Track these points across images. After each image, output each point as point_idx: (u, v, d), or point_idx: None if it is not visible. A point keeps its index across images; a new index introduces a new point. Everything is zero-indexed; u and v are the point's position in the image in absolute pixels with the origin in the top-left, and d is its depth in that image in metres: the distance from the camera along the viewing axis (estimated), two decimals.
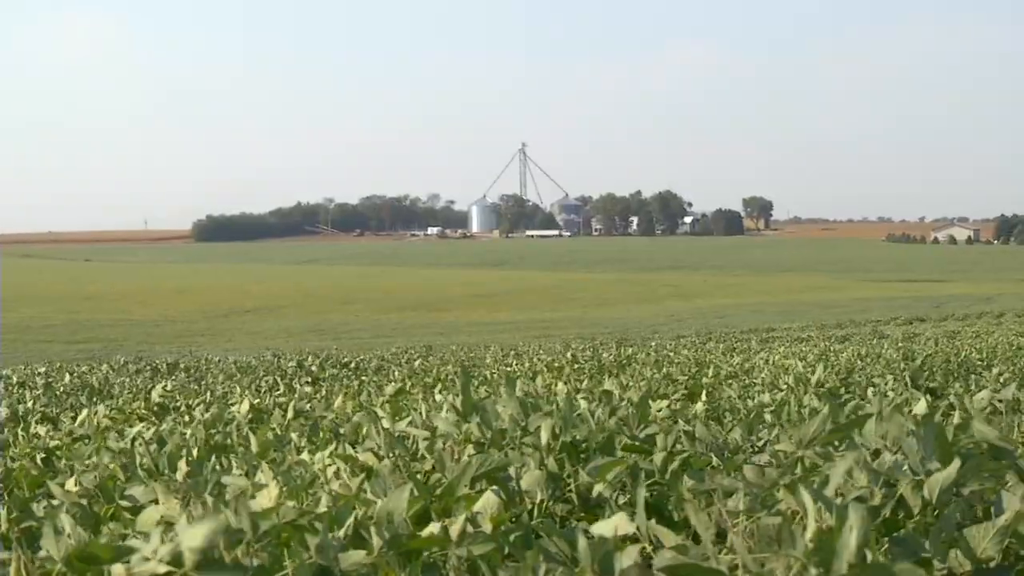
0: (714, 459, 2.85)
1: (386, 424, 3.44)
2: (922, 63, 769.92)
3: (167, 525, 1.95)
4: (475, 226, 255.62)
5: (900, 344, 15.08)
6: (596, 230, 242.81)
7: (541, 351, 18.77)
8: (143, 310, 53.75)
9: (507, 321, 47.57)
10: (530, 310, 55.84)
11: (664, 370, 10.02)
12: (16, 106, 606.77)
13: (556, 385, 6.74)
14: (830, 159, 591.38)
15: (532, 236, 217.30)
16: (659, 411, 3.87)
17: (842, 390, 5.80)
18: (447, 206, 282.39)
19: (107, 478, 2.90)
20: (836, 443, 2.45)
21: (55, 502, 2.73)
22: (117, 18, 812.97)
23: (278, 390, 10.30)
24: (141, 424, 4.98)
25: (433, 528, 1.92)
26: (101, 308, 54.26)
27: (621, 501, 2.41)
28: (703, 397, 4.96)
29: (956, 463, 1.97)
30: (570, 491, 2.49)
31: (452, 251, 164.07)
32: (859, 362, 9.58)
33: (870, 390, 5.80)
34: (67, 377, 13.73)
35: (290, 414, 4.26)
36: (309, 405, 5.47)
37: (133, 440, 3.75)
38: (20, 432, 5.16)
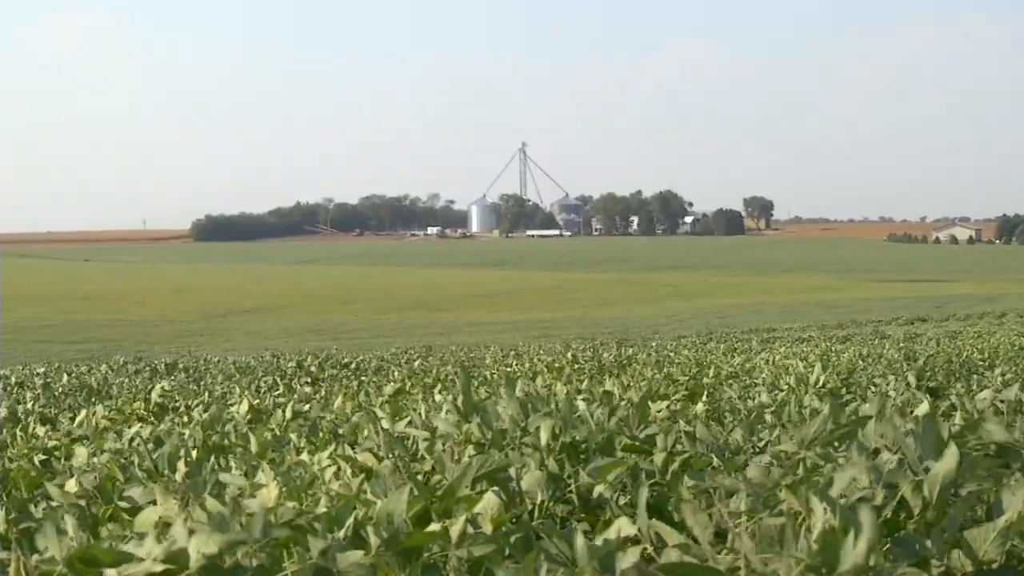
0: (715, 460, 2.84)
1: (385, 425, 3.43)
2: (922, 63, 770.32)
3: (165, 526, 1.94)
4: (475, 226, 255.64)
5: (902, 344, 15.07)
6: (596, 230, 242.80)
7: (541, 351, 18.77)
8: (141, 310, 53.75)
9: (507, 321, 47.58)
10: (530, 310, 55.84)
11: (665, 370, 10.02)
12: (15, 105, 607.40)
13: (556, 386, 6.74)
14: (831, 159, 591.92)
15: (533, 236, 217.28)
16: (659, 411, 3.86)
17: (843, 390, 5.78)
18: (447, 206, 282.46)
19: (105, 479, 2.89)
20: (836, 443, 2.44)
21: (53, 503, 2.71)
22: (117, 18, 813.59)
23: (277, 390, 10.29)
24: (139, 425, 4.97)
25: (433, 529, 1.91)
26: (99, 308, 54.26)
27: (622, 502, 2.40)
28: (704, 397, 4.95)
29: (954, 460, 1.96)
30: (570, 492, 2.48)
31: (452, 251, 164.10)
32: (860, 362, 9.57)
33: (870, 390, 5.79)
34: (65, 378, 13.72)
35: (288, 414, 4.25)
36: (308, 406, 5.46)
37: (131, 441, 3.74)
38: (19, 433, 5.15)
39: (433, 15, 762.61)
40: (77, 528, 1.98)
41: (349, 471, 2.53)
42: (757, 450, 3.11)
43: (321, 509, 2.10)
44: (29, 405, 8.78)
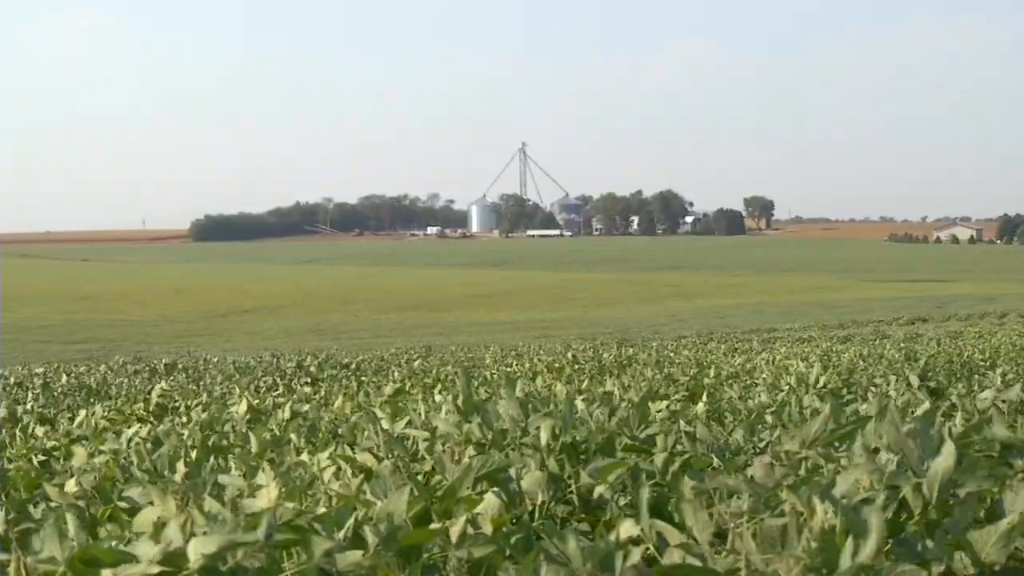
0: (715, 460, 2.83)
1: (385, 425, 3.42)
2: (923, 63, 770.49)
3: (163, 527, 1.94)
4: (475, 226, 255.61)
5: (902, 345, 15.06)
6: (597, 230, 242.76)
7: (541, 351, 18.76)
8: (141, 310, 53.77)
9: (507, 321, 47.59)
10: (530, 310, 55.85)
11: (665, 371, 10.01)
12: (14, 105, 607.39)
13: (556, 386, 6.73)
14: (832, 159, 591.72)
15: (533, 236, 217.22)
16: (659, 412, 3.85)
17: (844, 391, 5.77)
18: (447, 205, 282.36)
19: (104, 479, 2.88)
20: (837, 443, 2.43)
21: (52, 504, 2.71)
22: (117, 18, 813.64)
23: (277, 391, 10.29)
24: (138, 425, 4.96)
25: (433, 529, 1.91)
26: (99, 308, 54.29)
27: (622, 502, 2.39)
28: (704, 398, 4.94)
29: (952, 458, 1.95)
30: (571, 493, 2.48)
31: (452, 251, 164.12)
32: (861, 362, 9.56)
33: (871, 391, 5.78)
34: (64, 378, 13.71)
35: (285, 415, 4.24)
36: (306, 407, 5.45)
37: (129, 441, 3.73)
38: (18, 433, 5.15)
39: (433, 15, 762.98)
40: (78, 529, 1.97)
41: (349, 471, 2.52)
42: (758, 450, 3.11)
43: (321, 510, 2.09)
44: (28, 406, 8.77)
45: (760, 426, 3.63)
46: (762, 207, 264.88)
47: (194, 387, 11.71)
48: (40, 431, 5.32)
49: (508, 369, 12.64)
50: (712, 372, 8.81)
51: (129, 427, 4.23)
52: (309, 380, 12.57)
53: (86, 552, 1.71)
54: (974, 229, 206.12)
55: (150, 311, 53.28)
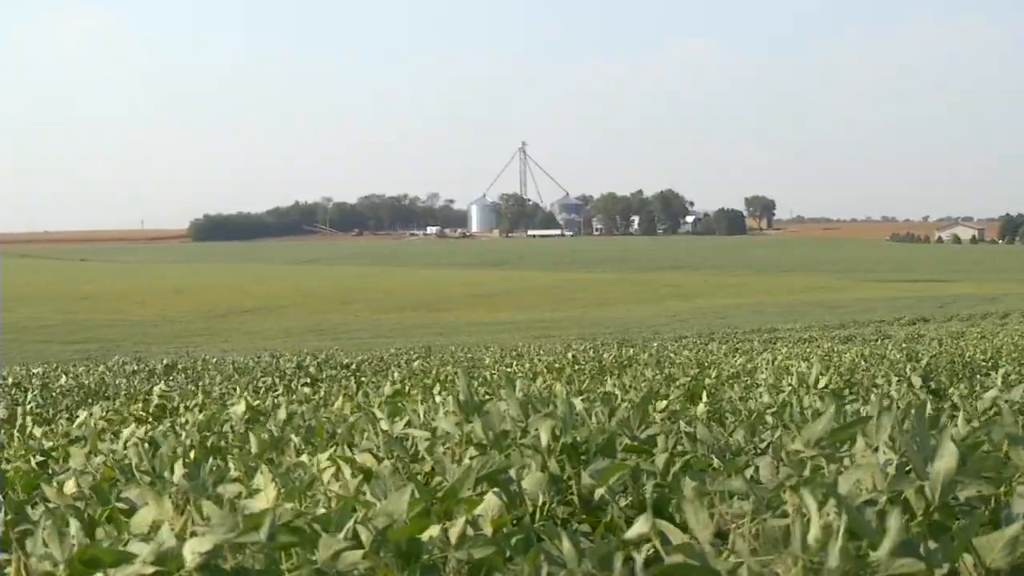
0: (715, 461, 2.82)
1: (384, 425, 3.41)
2: (923, 62, 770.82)
3: (159, 528, 1.93)
4: (475, 226, 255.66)
5: (904, 345, 15.05)
6: (597, 229, 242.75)
7: (541, 352, 18.75)
8: (140, 310, 53.79)
9: (507, 321, 47.60)
10: (530, 310, 55.87)
11: (666, 371, 10.00)
12: (13, 105, 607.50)
13: (556, 386, 6.72)
14: (833, 158, 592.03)
15: (534, 236, 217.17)
16: (659, 412, 3.84)
17: (846, 391, 5.76)
18: (446, 205, 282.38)
19: (102, 480, 2.87)
20: (839, 444, 2.42)
21: (50, 504, 2.70)
22: (117, 18, 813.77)
23: (276, 391, 10.28)
24: (136, 425, 4.95)
25: (433, 531, 1.90)
26: (98, 308, 54.31)
27: (623, 503, 2.38)
28: (704, 398, 4.93)
29: (954, 458, 1.93)
30: (571, 494, 2.46)
31: (452, 251, 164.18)
32: (862, 363, 9.55)
33: (873, 391, 5.77)
34: (63, 378, 13.70)
35: (282, 415, 4.23)
36: (301, 409, 5.44)
37: (126, 442, 3.72)
38: (16, 434, 5.13)
39: (433, 15, 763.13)
40: (79, 529, 1.97)
41: (348, 472, 2.51)
42: (758, 451, 3.09)
43: (321, 510, 2.08)
44: (28, 407, 8.75)
45: (761, 427, 3.61)
46: (763, 207, 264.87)
47: (193, 387, 11.70)
48: (38, 432, 5.31)
49: (508, 369, 12.63)
50: (714, 373, 8.80)
51: (127, 428, 4.21)
52: (309, 380, 12.56)
53: (86, 552, 1.71)
54: (976, 229, 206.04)
55: (149, 311, 53.30)
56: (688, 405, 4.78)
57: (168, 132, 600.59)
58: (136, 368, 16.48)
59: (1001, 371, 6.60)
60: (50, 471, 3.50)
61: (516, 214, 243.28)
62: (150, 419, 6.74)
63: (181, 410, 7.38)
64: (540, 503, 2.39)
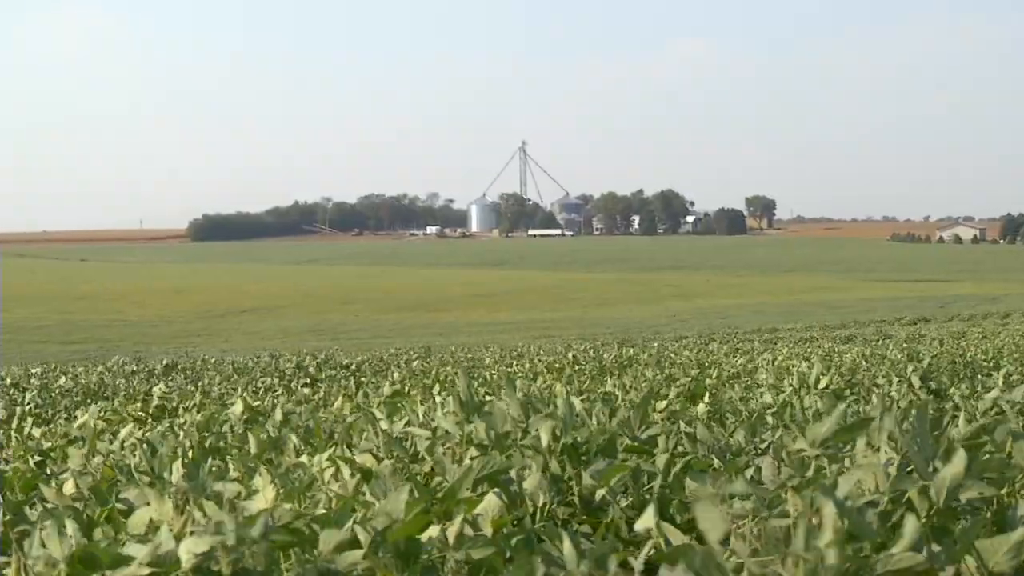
0: (715, 461, 2.81)
1: (384, 426, 3.40)
2: (924, 62, 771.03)
3: (157, 529, 1.92)
4: (475, 225, 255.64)
5: (905, 345, 15.04)
6: (597, 229, 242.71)
7: (541, 352, 18.74)
8: (139, 310, 53.74)
9: (507, 321, 47.59)
10: (530, 310, 55.87)
11: (666, 371, 9.99)
12: (12, 105, 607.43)
13: (555, 387, 6.71)
14: (833, 158, 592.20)
15: (535, 236, 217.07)
16: (658, 412, 3.83)
17: (847, 391, 5.75)
18: (446, 205, 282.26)
19: (100, 481, 2.86)
20: (841, 444, 2.41)
21: (49, 505, 2.69)
22: (117, 18, 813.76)
23: (276, 391, 10.27)
24: (135, 426, 4.94)
25: (432, 531, 1.89)
26: (96, 308, 54.29)
27: (624, 503, 2.37)
28: (705, 398, 4.92)
29: (962, 463, 1.92)
30: (572, 494, 2.46)
31: (451, 251, 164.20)
32: (863, 363, 9.54)
33: (874, 391, 5.75)
34: (62, 379, 13.69)
35: (278, 416, 4.22)
36: (299, 409, 5.42)
37: (122, 443, 3.71)
38: (13, 434, 5.12)
39: (433, 15, 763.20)
40: (76, 529, 1.96)
41: (347, 473, 2.50)
42: (759, 451, 3.08)
43: (320, 510, 2.08)
44: (27, 408, 8.74)
45: (761, 427, 3.61)
46: (764, 207, 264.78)
47: (192, 387, 11.69)
48: (37, 432, 5.30)
49: (508, 370, 12.62)
50: (714, 373, 8.79)
51: (125, 428, 4.20)
52: (308, 381, 12.56)
53: (86, 553, 1.71)
54: (977, 229, 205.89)
55: (148, 311, 53.27)
56: (688, 405, 4.77)
57: (168, 132, 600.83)
58: (135, 368, 16.47)
59: (1002, 371, 6.59)
60: (48, 471, 3.49)
61: (516, 214, 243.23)
62: (149, 419, 6.74)
63: (180, 411, 7.37)
64: (541, 504, 2.38)
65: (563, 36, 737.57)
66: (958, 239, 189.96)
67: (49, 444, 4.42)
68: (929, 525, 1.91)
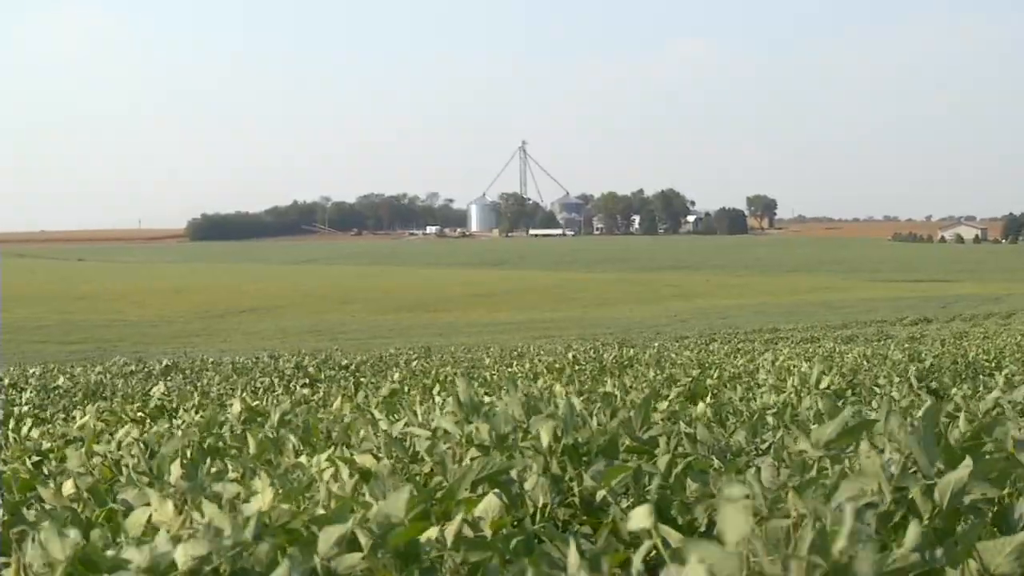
0: (715, 462, 2.80)
1: (383, 426, 3.39)
2: (924, 62, 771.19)
3: (155, 530, 1.91)
4: (474, 225, 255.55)
5: (906, 345, 15.02)
6: (598, 229, 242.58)
7: (542, 352, 18.72)
8: (138, 310, 53.66)
9: (507, 321, 47.55)
10: (530, 310, 55.84)
11: (667, 372, 9.97)
12: (12, 105, 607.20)
13: (555, 387, 6.69)
14: (834, 158, 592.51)
15: (536, 235, 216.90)
16: (659, 412, 3.82)
17: (848, 392, 5.74)
18: (446, 205, 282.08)
19: (98, 482, 2.85)
20: (844, 446, 2.40)
21: (47, 506, 2.68)
22: (117, 18, 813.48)
23: (275, 391, 10.25)
24: (131, 426, 4.93)
25: (431, 532, 1.88)
26: (95, 308, 54.23)
27: (625, 504, 2.36)
28: (707, 399, 4.91)
29: (967, 468, 1.91)
30: (573, 495, 2.44)
31: (451, 250, 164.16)
32: (865, 363, 9.52)
33: (875, 392, 5.75)
34: (61, 379, 13.66)
35: (275, 417, 4.21)
36: (296, 410, 5.41)
37: (120, 443, 3.70)
38: (11, 435, 5.11)
39: (433, 15, 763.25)
40: (70, 531, 1.95)
41: (345, 473, 2.49)
42: (760, 452, 3.08)
43: (320, 511, 2.07)
44: (25, 408, 8.73)
45: (762, 427, 3.60)
46: (765, 206, 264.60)
47: (191, 388, 11.67)
48: (36, 433, 5.28)
49: (509, 370, 12.61)
50: (715, 373, 8.78)
51: (125, 429, 4.19)
52: (307, 381, 12.54)
53: (85, 554, 1.71)
54: (979, 228, 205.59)
55: (147, 311, 53.21)
56: (688, 405, 4.75)
57: (167, 132, 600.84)
58: (134, 369, 16.45)
59: (1004, 372, 6.58)
60: (46, 472, 3.48)
61: (516, 213, 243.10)
62: (148, 420, 6.72)
63: (179, 411, 7.35)
64: (541, 504, 2.37)
65: (563, 36, 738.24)
66: (960, 239, 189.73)
67: (47, 445, 4.41)
68: (932, 527, 1.90)
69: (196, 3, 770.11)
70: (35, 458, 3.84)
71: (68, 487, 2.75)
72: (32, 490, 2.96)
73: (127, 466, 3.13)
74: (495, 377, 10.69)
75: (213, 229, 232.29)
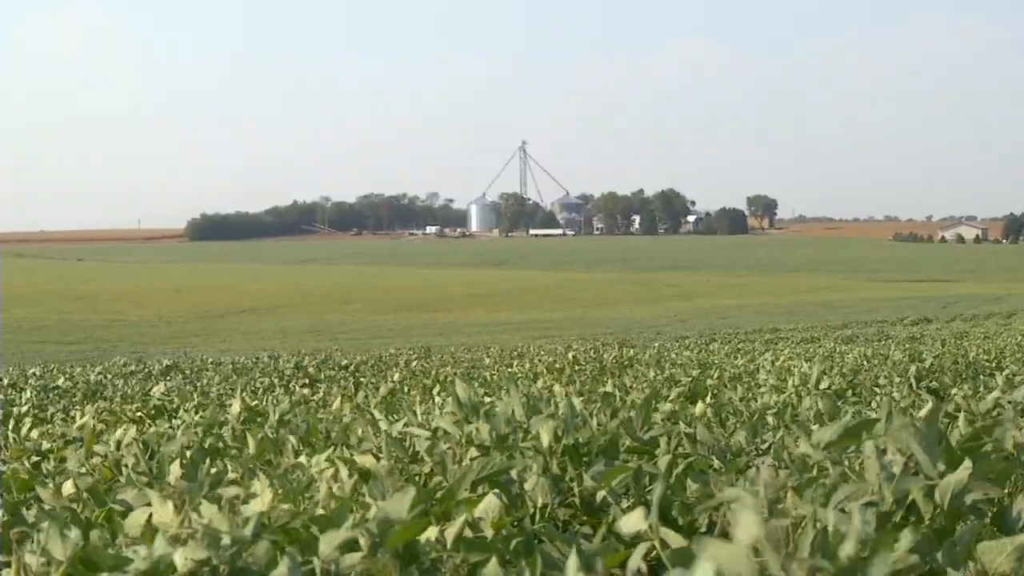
0: (715, 462, 2.80)
1: (383, 426, 3.39)
2: (925, 62, 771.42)
3: (154, 531, 1.90)
4: (474, 225, 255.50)
5: (907, 346, 15.02)
6: (598, 229, 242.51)
7: (542, 352, 18.72)
8: (137, 311, 53.63)
9: (507, 321, 47.53)
10: (530, 310, 55.83)
11: (667, 372, 9.97)
12: (11, 104, 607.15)
13: (555, 387, 6.69)
14: (834, 158, 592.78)
15: (536, 235, 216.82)
16: (659, 412, 3.82)
17: (849, 392, 5.74)
18: (446, 204, 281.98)
19: (97, 482, 2.85)
20: (843, 449, 2.39)
21: (45, 506, 2.67)
22: (117, 18, 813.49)
23: (275, 392, 10.25)
24: (130, 425, 4.93)
25: (431, 532, 1.88)
26: (94, 309, 54.20)
27: (625, 505, 2.36)
28: (707, 399, 4.90)
29: (967, 465, 1.91)
30: (573, 496, 2.44)
31: (451, 250, 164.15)
32: (865, 363, 9.52)
33: (875, 392, 5.74)
34: (60, 379, 13.66)
35: (274, 418, 4.21)
36: (295, 410, 5.41)
37: (118, 444, 3.69)
38: (10, 435, 5.11)
39: (433, 15, 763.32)
40: (71, 531, 1.95)
41: (345, 474, 2.49)
42: (760, 452, 3.07)
43: (320, 511, 2.06)
44: (24, 408, 8.72)
45: (762, 428, 3.59)
46: (765, 206, 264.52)
47: (191, 388, 11.67)
48: (35, 433, 5.28)
49: (509, 370, 12.60)
50: (715, 374, 8.78)
51: (124, 429, 4.19)
52: (307, 381, 12.54)
53: (86, 554, 1.70)
54: (979, 228, 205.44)
55: (146, 311, 53.18)
56: (688, 406, 4.75)
57: (167, 132, 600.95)
58: (134, 369, 16.45)
59: (1005, 372, 6.58)
60: (45, 472, 3.47)
61: (516, 213, 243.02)
62: (147, 420, 6.72)
63: (180, 411, 7.35)
64: (541, 505, 2.36)
65: (563, 36, 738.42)
66: (961, 239, 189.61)
67: (47, 445, 4.41)
68: (932, 528, 1.90)
69: (196, 3, 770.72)
70: (35, 458, 3.84)
71: (68, 487, 2.75)
72: (31, 490, 2.96)
73: (127, 466, 3.13)
74: (495, 377, 10.69)
75: (213, 229, 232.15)
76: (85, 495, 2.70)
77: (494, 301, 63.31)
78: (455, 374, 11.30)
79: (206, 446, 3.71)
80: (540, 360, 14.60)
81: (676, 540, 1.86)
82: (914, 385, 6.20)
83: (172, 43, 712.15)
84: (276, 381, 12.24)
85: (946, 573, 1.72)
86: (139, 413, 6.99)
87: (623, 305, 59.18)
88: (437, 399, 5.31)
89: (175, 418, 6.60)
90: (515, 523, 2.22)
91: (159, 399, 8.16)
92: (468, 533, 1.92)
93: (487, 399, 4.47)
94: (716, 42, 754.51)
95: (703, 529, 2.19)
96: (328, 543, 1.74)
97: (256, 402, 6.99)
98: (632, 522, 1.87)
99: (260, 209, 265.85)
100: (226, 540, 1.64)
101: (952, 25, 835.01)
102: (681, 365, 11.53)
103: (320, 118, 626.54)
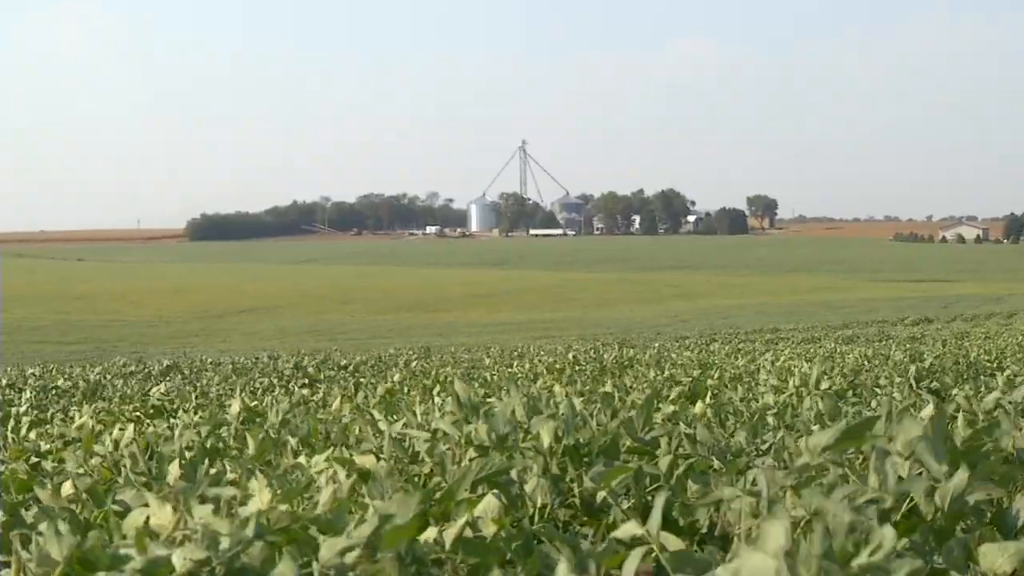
0: (715, 462, 2.80)
1: (382, 427, 3.38)
2: (925, 62, 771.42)
3: (152, 532, 1.90)
4: (474, 225, 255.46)
5: (908, 346, 15.01)
6: (598, 229, 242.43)
7: (542, 352, 18.71)
8: (137, 311, 53.61)
9: (507, 322, 47.53)
10: (530, 310, 55.83)
11: (667, 372, 9.97)
12: (11, 104, 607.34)
13: (555, 387, 6.69)
14: (834, 158, 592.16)
15: (536, 235, 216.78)
16: (659, 413, 3.81)
17: (849, 392, 5.73)
18: (446, 204, 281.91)
19: (96, 483, 2.84)
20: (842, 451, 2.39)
21: (44, 506, 2.67)
22: (117, 17, 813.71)
23: (274, 392, 10.25)
24: (130, 426, 4.92)
25: (431, 533, 1.87)
26: (94, 309, 54.19)
27: (625, 505, 2.35)
28: (707, 399, 4.90)
29: (966, 473, 1.91)
30: (573, 496, 2.43)
31: (451, 250, 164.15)
32: (866, 363, 9.52)
33: (876, 392, 5.74)
34: (60, 379, 13.66)
35: (273, 418, 4.20)
36: (294, 411, 5.41)
37: (117, 444, 3.69)
38: (10, 435, 5.10)
39: (433, 15, 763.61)
40: (69, 532, 1.94)
41: (343, 474, 2.48)
42: (760, 452, 3.07)
43: (318, 511, 2.06)
44: (23, 408, 8.71)
45: (763, 428, 3.59)
46: (765, 206, 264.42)
47: (191, 388, 11.67)
48: (33, 434, 5.28)
49: (509, 370, 12.60)
50: (715, 374, 8.77)
51: (123, 430, 4.19)
52: (307, 381, 12.54)
53: (84, 554, 1.70)
54: (980, 228, 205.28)
55: (146, 311, 53.17)
56: (688, 406, 4.75)
57: (166, 132, 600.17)
58: (134, 369, 16.45)
59: (1006, 372, 6.57)
60: (44, 472, 3.47)
61: (516, 213, 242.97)
62: (147, 420, 6.71)
63: (179, 411, 7.35)
64: (541, 505, 2.36)
65: (563, 36, 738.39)
66: (961, 239, 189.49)
67: (46, 445, 4.40)
68: (933, 528, 1.89)
69: (196, 3, 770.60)
70: (34, 459, 3.83)
71: (67, 488, 2.74)
72: (30, 491, 2.95)
73: (125, 467, 3.12)
74: (495, 377, 10.68)
75: (212, 229, 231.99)
76: (84, 496, 2.70)
77: (494, 301, 63.30)
78: (455, 374, 11.29)
79: (207, 446, 3.70)
80: (540, 360, 14.59)
81: (675, 543, 1.85)
82: (915, 385, 6.20)
83: (172, 43, 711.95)
84: (275, 381, 12.24)
85: (947, 574, 1.71)
86: (137, 413, 6.98)
87: (623, 305, 59.16)
88: (437, 399, 5.31)
89: (174, 418, 6.60)
90: (515, 524, 2.22)
91: (158, 399, 8.15)
92: (468, 533, 1.92)
93: (487, 399, 4.46)
94: (716, 42, 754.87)
95: (704, 530, 2.19)
96: (330, 549, 1.73)
97: (255, 402, 6.99)
98: (627, 528, 1.86)
99: (260, 209, 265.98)
100: (224, 541, 1.63)
101: (952, 25, 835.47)
102: (681, 365, 11.52)
103: (320, 118, 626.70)
